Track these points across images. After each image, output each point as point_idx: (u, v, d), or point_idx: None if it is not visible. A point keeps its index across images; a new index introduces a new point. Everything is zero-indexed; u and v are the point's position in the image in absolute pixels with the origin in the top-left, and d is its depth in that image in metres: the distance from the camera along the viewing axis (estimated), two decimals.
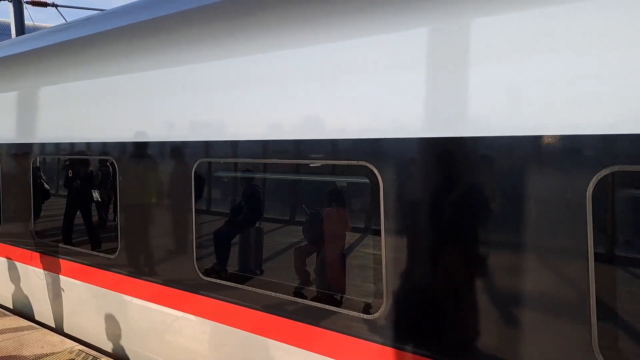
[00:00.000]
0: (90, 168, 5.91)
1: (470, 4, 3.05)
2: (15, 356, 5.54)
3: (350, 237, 3.75)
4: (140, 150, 5.05)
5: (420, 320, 3.25)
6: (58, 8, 13.85)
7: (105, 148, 5.43)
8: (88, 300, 5.75)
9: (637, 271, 2.64)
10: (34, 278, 6.55)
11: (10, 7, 13.10)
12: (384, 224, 3.32)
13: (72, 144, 5.92)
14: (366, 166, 3.41)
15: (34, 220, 6.59)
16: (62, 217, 6.34)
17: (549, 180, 2.75)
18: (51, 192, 6.63)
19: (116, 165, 5.25)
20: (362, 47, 3.50)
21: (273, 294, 4.02)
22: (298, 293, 3.92)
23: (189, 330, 4.68)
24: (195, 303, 4.56)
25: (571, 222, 2.65)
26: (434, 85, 3.15)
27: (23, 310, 6.89)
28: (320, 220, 3.91)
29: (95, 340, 5.75)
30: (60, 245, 6.16)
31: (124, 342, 5.37)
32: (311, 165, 3.80)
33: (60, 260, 6.10)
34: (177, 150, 4.68)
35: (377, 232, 3.37)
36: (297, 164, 3.89)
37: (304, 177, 4.01)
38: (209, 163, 4.48)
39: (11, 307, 7.15)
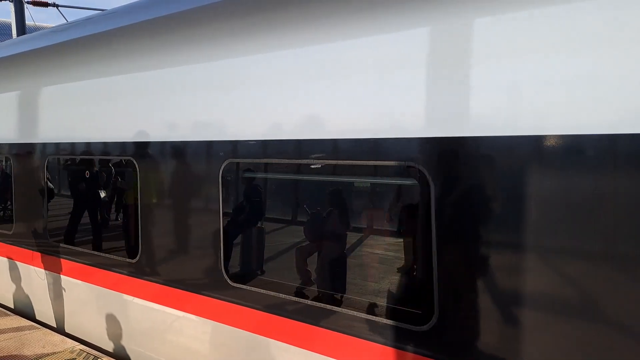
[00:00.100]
0: (109, 168, 5.73)
1: None
2: (16, 356, 5.55)
3: (397, 245, 3.55)
4: (163, 150, 4.86)
5: (472, 332, 3.03)
6: (59, 8, 13.85)
7: (125, 148, 5.24)
8: (107, 306, 5.58)
9: None
10: (49, 282, 6.37)
11: (11, 7, 13.12)
12: (435, 230, 3.12)
13: (89, 144, 5.73)
14: (415, 167, 3.22)
15: (48, 222, 6.43)
16: (79, 220, 6.16)
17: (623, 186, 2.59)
18: (66, 193, 6.45)
19: (137, 165, 5.10)
20: (410, 41, 3.29)
21: (310, 302, 3.82)
22: (338, 302, 3.71)
23: (215, 338, 4.51)
24: (223, 310, 4.39)
25: None
26: (496, 80, 2.95)
27: (49, 321, 6.60)
28: (365, 225, 3.70)
29: (111, 347, 5.62)
30: (76, 248, 6.00)
31: (145, 349, 5.22)
32: (355, 166, 3.58)
33: (78, 264, 5.94)
34: (204, 151, 4.49)
35: (427, 239, 3.16)
36: (338, 165, 3.67)
37: (344, 180, 3.79)
38: (239, 164, 4.29)
39: (34, 315, 6.88)
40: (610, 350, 2.62)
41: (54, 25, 8.34)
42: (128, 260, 5.25)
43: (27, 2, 13.40)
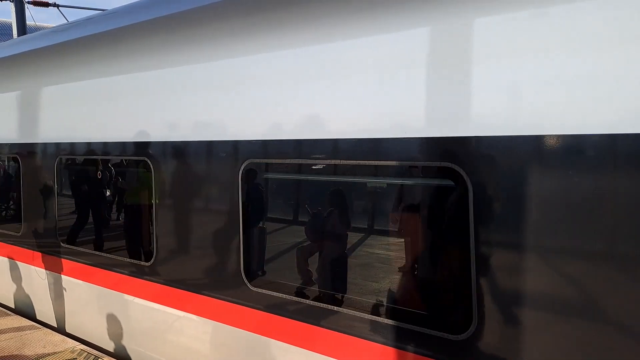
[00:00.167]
0: (122, 169, 5.61)
1: None
2: (17, 355, 5.55)
3: (434, 249, 3.35)
4: (179, 150, 4.68)
5: (513, 342, 2.86)
6: (59, 8, 13.86)
7: (139, 148, 5.08)
8: (122, 310, 5.42)
9: None
10: (62, 285, 6.18)
11: (11, 7, 13.12)
12: (473, 234, 2.96)
13: (101, 144, 5.55)
14: (452, 168, 3.04)
15: (59, 224, 6.22)
16: (91, 222, 6.01)
17: None
18: (77, 194, 6.28)
19: (152, 166, 4.93)
20: (453, 38, 3.12)
21: (338, 308, 3.61)
22: (369, 309, 3.50)
23: (233, 345, 4.33)
24: (243, 315, 4.22)
25: None
26: (547, 77, 2.77)
27: (59, 324, 6.41)
28: (398, 229, 3.49)
29: (124, 350, 5.49)
30: (87, 250, 5.83)
31: (160, 355, 5.07)
32: (388, 167, 3.40)
33: (89, 267, 5.76)
34: (222, 150, 4.31)
35: (465, 243, 3.00)
36: (370, 166, 3.49)
37: (374, 181, 3.60)
38: (261, 164, 4.08)
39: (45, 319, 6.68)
40: None
41: (54, 25, 8.32)
42: (143, 263, 5.11)
43: (28, 2, 13.41)
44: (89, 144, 5.73)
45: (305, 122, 3.77)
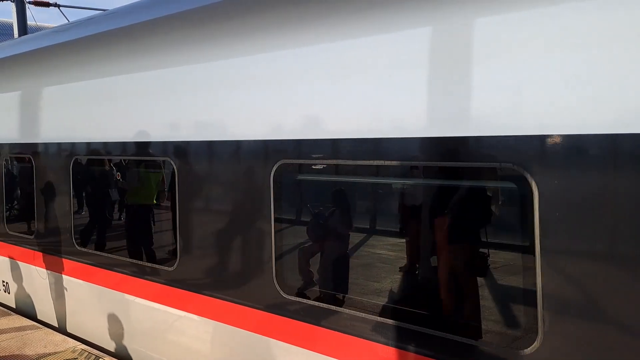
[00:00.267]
0: (142, 170, 5.40)
1: None
2: (18, 355, 5.55)
3: (493, 257, 3.08)
4: (205, 151, 4.46)
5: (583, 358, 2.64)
6: (60, 8, 13.87)
7: (161, 148, 4.84)
8: (143, 317, 5.19)
9: None
10: (80, 290, 5.92)
11: (12, 7, 13.13)
12: (539, 242, 2.72)
13: (121, 144, 5.28)
14: (514, 169, 2.82)
15: (74, 227, 5.96)
16: (108, 225, 5.81)
17: None
18: (94, 196, 6.06)
19: (175, 167, 4.68)
20: (523, 29, 2.87)
21: (379, 318, 3.38)
22: (413, 318, 3.25)
23: (265, 355, 4.09)
24: (275, 325, 3.99)
25: None
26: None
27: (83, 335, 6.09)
28: (446, 235, 3.26)
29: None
30: (104, 255, 5.59)
31: None
32: (439, 168, 3.18)
33: (107, 272, 5.50)
34: (252, 151, 4.07)
35: (530, 250, 2.76)
36: (422, 168, 3.24)
37: (422, 182, 3.38)
38: (294, 165, 3.86)
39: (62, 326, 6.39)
40: None
41: (55, 25, 8.31)
42: (165, 268, 4.88)
43: (29, 2, 13.41)
44: (106, 143, 5.49)
45: (343, 121, 3.54)
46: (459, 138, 3.00)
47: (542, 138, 2.71)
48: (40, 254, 6.48)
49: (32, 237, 6.65)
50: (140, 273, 5.15)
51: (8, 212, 7.34)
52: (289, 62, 3.89)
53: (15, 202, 7.36)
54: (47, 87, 6.43)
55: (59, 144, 6.12)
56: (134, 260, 5.26)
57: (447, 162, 3.10)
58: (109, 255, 5.54)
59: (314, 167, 3.80)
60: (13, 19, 13.27)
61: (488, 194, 3.17)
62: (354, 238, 3.73)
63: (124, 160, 5.50)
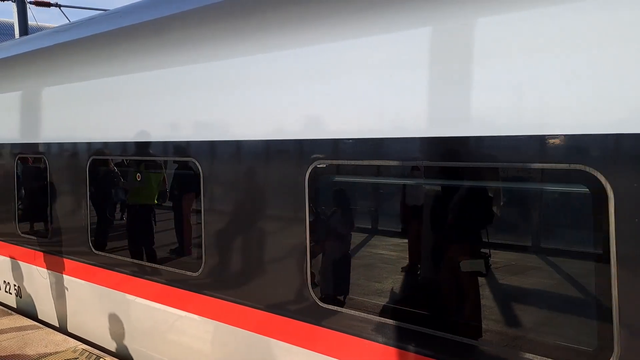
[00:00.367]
0: (165, 171, 5.19)
1: None
2: (19, 355, 5.55)
3: (563, 266, 2.86)
4: (232, 151, 4.23)
5: None
6: (61, 8, 13.88)
7: (185, 148, 4.64)
8: (165, 324, 4.96)
9: None
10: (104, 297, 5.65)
11: (13, 7, 13.14)
12: (615, 249, 2.52)
13: (142, 143, 5.07)
14: (586, 171, 2.58)
15: (91, 231, 5.76)
16: (128, 228, 5.58)
17: None
18: (112, 197, 5.81)
19: (200, 168, 4.50)
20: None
21: (428, 331, 3.15)
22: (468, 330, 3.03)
23: None
24: (311, 335, 3.75)
25: None
26: None
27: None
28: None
29: None
30: (124, 259, 5.37)
31: None
32: (493, 169, 2.96)
33: (128, 277, 5.30)
34: (284, 150, 3.87)
35: (605, 260, 2.56)
36: (482, 169, 3.00)
37: (490, 185, 3.14)
38: (333, 165, 3.63)
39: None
40: None
41: (56, 25, 8.28)
42: (189, 274, 4.69)
43: (30, 2, 13.42)
44: (125, 143, 5.28)
45: (389, 119, 3.30)
46: (524, 137, 2.75)
47: (618, 138, 2.51)
48: (66, 260, 6.18)
49: (47, 239, 6.43)
50: (162, 278, 4.93)
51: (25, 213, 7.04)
52: (344, 58, 3.61)
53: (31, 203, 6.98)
54: (60, 87, 6.20)
55: (75, 143, 5.92)
56: (155, 266, 5.06)
57: (512, 163, 2.84)
58: (128, 260, 5.33)
59: (355, 168, 3.58)
60: (14, 19, 13.28)
61: (555, 196, 2.93)
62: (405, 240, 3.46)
63: (146, 160, 5.28)
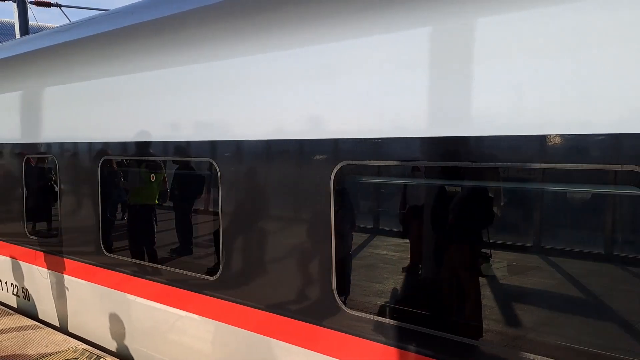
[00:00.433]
0: (182, 172, 5.05)
1: None
2: (19, 355, 5.55)
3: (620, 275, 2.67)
4: (252, 151, 4.10)
5: None
6: (62, 8, 13.89)
7: (202, 148, 4.50)
8: (181, 329, 4.85)
9: None
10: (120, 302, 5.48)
11: (14, 7, 13.15)
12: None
13: (156, 144, 4.90)
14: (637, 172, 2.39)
15: (103, 233, 5.57)
16: (140, 230, 5.45)
17: None
18: (125, 199, 5.63)
19: (218, 168, 4.34)
20: None
21: (463, 339, 2.99)
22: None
23: None
24: (337, 342, 3.62)
25: None
26: None
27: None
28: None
29: None
30: (138, 262, 5.25)
31: None
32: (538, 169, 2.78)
33: (142, 280, 5.16)
34: (307, 151, 3.74)
35: None
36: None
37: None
38: (361, 166, 3.48)
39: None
40: None
41: (56, 25, 8.25)
42: (206, 277, 4.55)
43: (30, 2, 13.43)
44: (138, 143, 5.13)
45: (426, 117, 3.13)
46: (574, 136, 2.57)
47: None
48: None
49: (56, 240, 6.28)
50: (177, 282, 4.82)
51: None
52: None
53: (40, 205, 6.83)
54: (71, 86, 6.02)
55: (90, 143, 5.68)
56: (171, 269, 4.93)
57: (559, 164, 2.65)
58: (142, 263, 5.22)
59: (382, 170, 3.44)
60: (14, 19, 13.29)
61: (601, 200, 2.74)
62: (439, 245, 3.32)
63: (160, 161, 5.14)
